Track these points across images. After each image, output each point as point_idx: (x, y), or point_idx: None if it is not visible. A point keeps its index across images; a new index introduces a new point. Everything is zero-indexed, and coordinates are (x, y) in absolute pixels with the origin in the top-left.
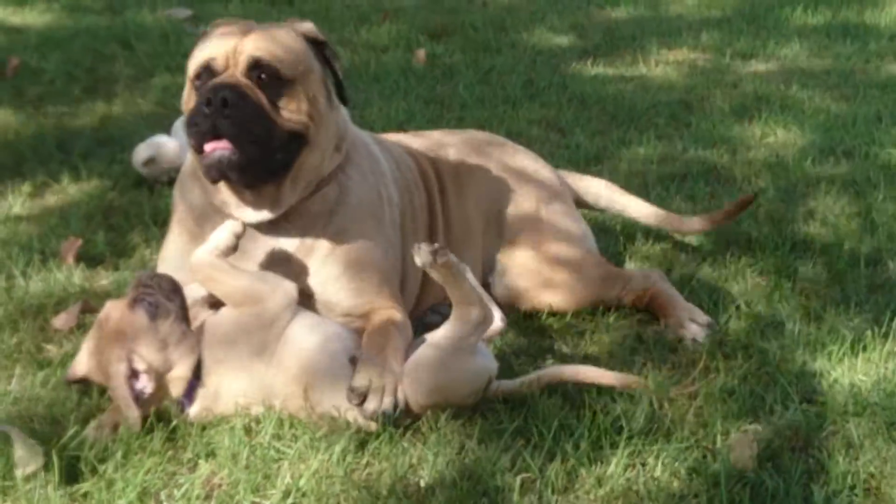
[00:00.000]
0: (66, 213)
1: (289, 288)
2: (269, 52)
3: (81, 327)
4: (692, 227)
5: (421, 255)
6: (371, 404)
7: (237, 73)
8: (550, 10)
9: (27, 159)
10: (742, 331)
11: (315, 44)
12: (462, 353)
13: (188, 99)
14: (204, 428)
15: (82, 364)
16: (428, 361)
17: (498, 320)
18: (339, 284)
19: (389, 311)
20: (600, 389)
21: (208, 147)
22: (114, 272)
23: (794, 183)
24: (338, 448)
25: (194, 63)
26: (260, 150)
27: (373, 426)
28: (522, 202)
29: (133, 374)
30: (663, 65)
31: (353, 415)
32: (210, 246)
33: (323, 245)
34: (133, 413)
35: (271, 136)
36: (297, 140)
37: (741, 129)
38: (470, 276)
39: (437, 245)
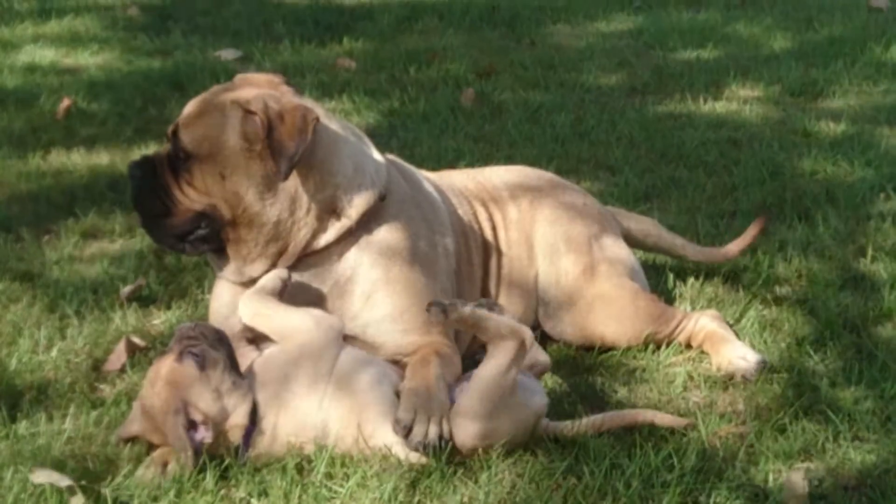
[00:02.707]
0: (119, 254)
1: (334, 322)
2: (185, 125)
3: (135, 366)
4: (728, 253)
5: (434, 316)
6: (417, 436)
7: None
8: (599, 48)
9: (80, 200)
10: (793, 369)
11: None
12: (505, 392)
13: None
14: (256, 467)
15: (135, 423)
16: (471, 406)
17: (541, 357)
18: (381, 328)
19: (435, 345)
20: (650, 429)
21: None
22: (166, 312)
23: (845, 219)
24: (389, 487)
25: None
26: (163, 224)
27: (421, 458)
28: (574, 238)
29: (191, 426)
30: (712, 102)
31: (404, 452)
32: (258, 286)
33: (357, 292)
34: (190, 457)
35: (169, 212)
36: (209, 218)
37: (791, 165)
38: (488, 313)
39: (447, 302)
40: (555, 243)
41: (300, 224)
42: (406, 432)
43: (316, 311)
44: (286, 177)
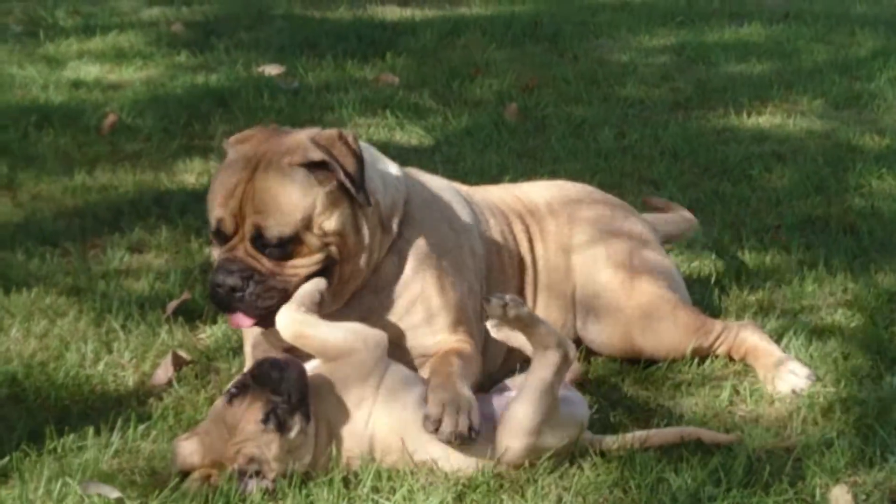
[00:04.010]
0: (164, 268)
1: (380, 338)
2: (269, 217)
3: (181, 380)
4: None
5: (491, 309)
6: (447, 427)
7: (244, 242)
8: (642, 62)
9: (125, 214)
10: (840, 383)
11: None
12: (550, 407)
13: (213, 245)
14: (303, 481)
15: (195, 455)
16: (517, 422)
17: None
18: (415, 333)
19: (458, 343)
20: (697, 443)
21: (231, 318)
22: (212, 326)
23: (891, 233)
24: (436, 500)
25: (211, 217)
26: (278, 309)
27: (468, 469)
28: (613, 250)
29: (256, 474)
30: (756, 116)
31: (449, 466)
32: (295, 302)
33: (397, 304)
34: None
35: (286, 295)
36: (323, 269)
37: (835, 179)
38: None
39: (507, 297)
40: (593, 255)
41: (374, 244)
42: (436, 426)
43: (359, 328)
44: (369, 201)
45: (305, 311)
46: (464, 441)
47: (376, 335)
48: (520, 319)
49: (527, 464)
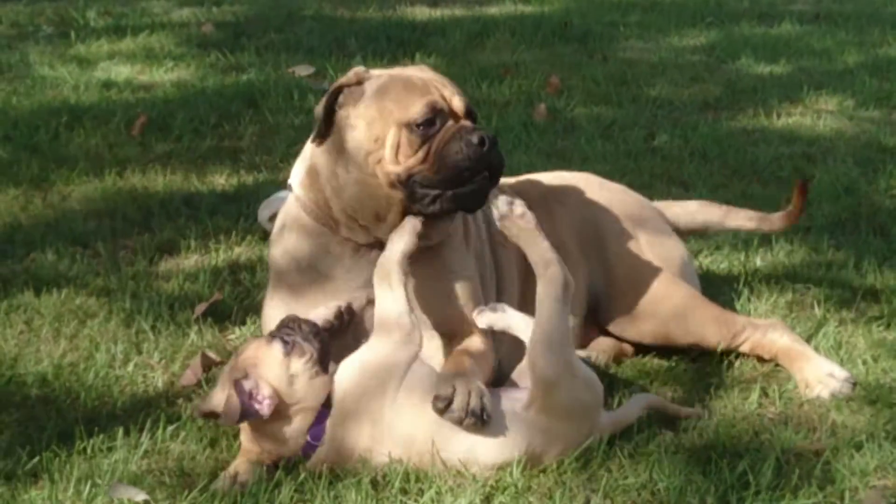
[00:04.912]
0: (194, 269)
1: (419, 342)
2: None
3: (210, 381)
4: (776, 224)
5: (498, 207)
6: (458, 404)
7: (462, 119)
8: (671, 63)
9: (155, 215)
10: (869, 385)
11: None
12: (566, 324)
13: (408, 143)
14: (331, 482)
15: (215, 398)
16: (542, 334)
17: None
18: (431, 305)
19: (471, 338)
20: (725, 446)
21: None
22: (241, 327)
23: None
24: (464, 502)
25: (420, 109)
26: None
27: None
28: (622, 236)
29: (251, 396)
30: (785, 117)
31: (478, 467)
32: (396, 247)
33: (423, 270)
34: (230, 416)
35: None
36: None
37: (866, 181)
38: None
39: (513, 198)
40: (603, 240)
41: None
42: (445, 405)
43: (410, 325)
44: None
45: (404, 261)
46: (476, 421)
47: (416, 339)
48: (524, 219)
49: (554, 464)
